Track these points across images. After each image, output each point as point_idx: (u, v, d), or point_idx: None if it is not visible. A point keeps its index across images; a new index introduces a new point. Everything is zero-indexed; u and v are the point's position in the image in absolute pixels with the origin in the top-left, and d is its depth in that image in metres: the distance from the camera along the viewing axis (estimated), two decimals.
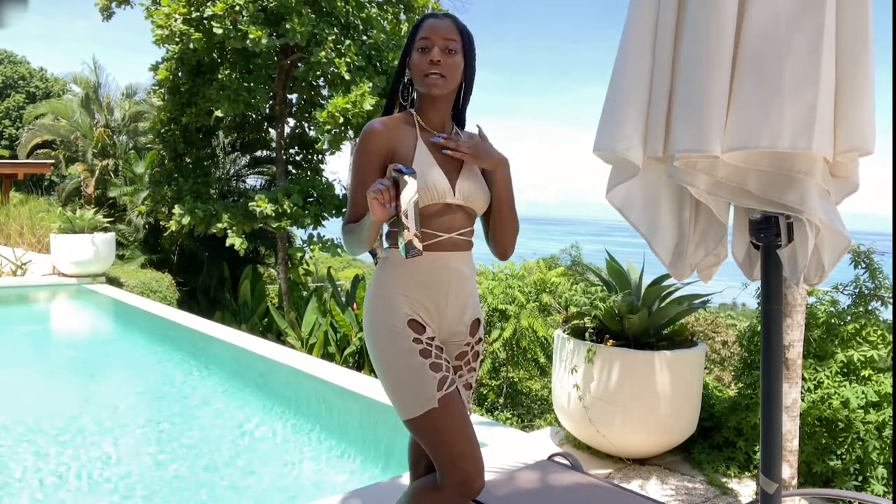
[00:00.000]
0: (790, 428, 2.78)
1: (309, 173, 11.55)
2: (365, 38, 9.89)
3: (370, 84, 9.20)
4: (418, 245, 1.52)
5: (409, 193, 1.48)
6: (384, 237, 1.73)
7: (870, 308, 3.40)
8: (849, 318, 3.38)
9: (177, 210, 9.90)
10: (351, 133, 9.62)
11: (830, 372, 3.20)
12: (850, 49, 1.37)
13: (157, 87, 10.82)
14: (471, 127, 1.87)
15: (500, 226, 1.77)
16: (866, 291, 3.41)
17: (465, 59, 1.72)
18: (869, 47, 1.38)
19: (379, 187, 1.48)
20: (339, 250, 10.01)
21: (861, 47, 1.38)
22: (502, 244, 1.80)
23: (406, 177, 1.48)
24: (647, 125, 1.51)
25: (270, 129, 12.21)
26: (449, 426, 1.61)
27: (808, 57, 1.31)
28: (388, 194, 1.48)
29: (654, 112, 1.50)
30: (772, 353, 1.57)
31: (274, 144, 11.69)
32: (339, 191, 10.59)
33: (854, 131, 1.38)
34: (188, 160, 11.42)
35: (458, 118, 1.85)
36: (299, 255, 11.12)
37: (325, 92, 10.96)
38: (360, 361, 7.83)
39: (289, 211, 9.50)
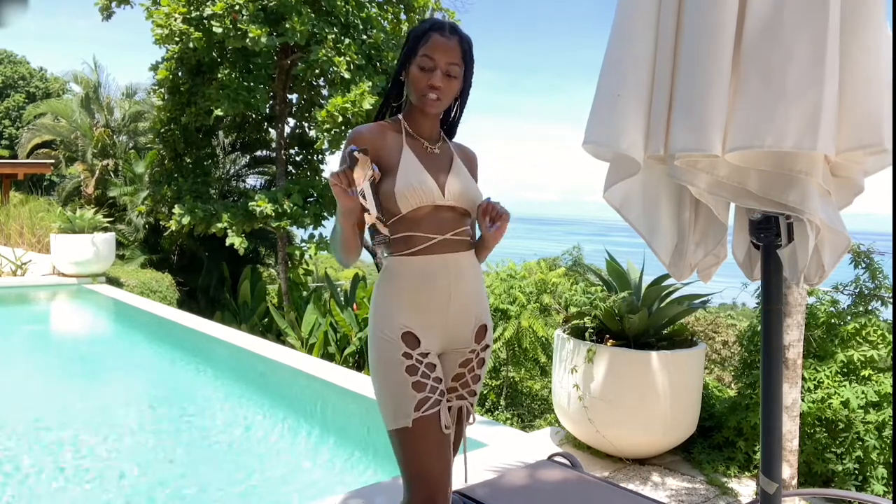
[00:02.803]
0: (790, 428, 2.78)
1: (309, 173, 11.55)
2: (365, 37, 9.89)
3: (370, 83, 9.19)
4: (383, 230, 1.54)
5: (363, 170, 1.48)
6: (370, 238, 1.73)
7: (870, 308, 3.41)
8: (849, 318, 3.39)
9: (177, 210, 9.90)
10: (350, 133, 9.62)
11: (830, 372, 3.20)
12: (856, 45, 1.34)
13: (157, 87, 10.82)
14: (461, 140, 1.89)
15: (478, 250, 1.82)
16: (866, 291, 3.41)
17: (463, 79, 1.72)
18: (876, 44, 1.36)
19: (336, 171, 1.51)
20: None
21: (866, 44, 1.35)
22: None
23: (357, 153, 1.48)
24: (649, 121, 1.46)
25: (270, 129, 12.21)
26: (418, 447, 1.59)
27: (813, 55, 1.27)
28: (344, 178, 1.50)
29: (655, 108, 1.44)
30: (772, 353, 1.56)
31: (274, 144, 11.69)
32: None
33: (860, 129, 1.35)
34: (188, 160, 11.42)
35: (450, 129, 1.85)
36: (298, 253, 11.12)
37: (325, 92, 10.96)
38: (360, 361, 7.83)
39: (289, 211, 9.51)
